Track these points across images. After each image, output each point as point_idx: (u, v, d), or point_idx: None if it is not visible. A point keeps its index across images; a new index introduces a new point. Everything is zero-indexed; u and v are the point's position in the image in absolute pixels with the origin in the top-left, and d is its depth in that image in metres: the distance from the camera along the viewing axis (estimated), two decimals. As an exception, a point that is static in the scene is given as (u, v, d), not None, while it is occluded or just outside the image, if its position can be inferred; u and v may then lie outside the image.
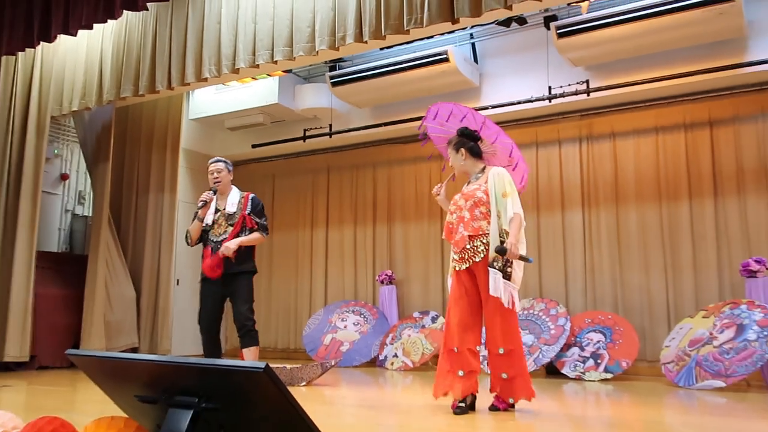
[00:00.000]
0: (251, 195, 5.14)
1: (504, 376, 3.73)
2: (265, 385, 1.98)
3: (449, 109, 4.25)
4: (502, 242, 3.70)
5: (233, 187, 5.14)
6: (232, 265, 4.88)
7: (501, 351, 3.71)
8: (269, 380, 1.96)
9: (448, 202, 4.14)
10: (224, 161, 5.14)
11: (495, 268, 3.70)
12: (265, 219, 5.09)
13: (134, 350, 7.04)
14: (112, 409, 2.49)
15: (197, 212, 5.02)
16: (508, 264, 3.73)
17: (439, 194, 4.19)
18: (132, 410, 2.43)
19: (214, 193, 5.02)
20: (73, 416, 2.59)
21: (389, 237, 7.92)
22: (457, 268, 3.90)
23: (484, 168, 4.04)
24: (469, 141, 4.05)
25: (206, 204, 4.97)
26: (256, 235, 4.98)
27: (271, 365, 1.99)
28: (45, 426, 2.44)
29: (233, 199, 5.03)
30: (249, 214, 4.99)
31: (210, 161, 5.14)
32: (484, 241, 3.80)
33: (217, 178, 5.02)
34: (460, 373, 3.76)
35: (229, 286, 4.91)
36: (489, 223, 3.81)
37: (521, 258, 3.73)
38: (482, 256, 3.79)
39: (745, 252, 5.90)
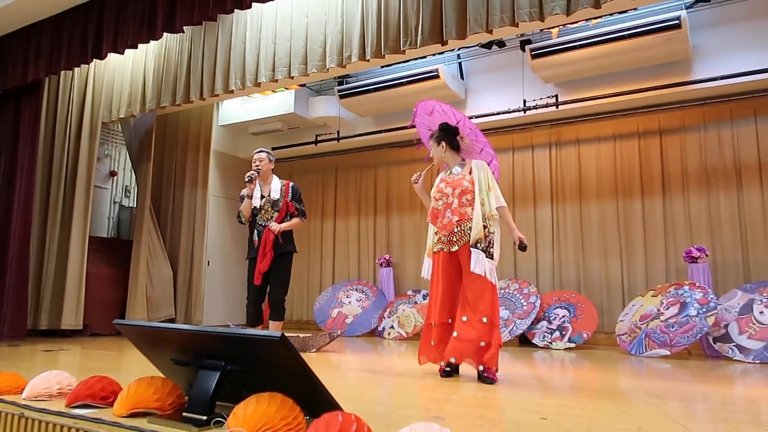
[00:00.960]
0: (291, 183, 5.10)
1: (482, 344, 3.49)
2: (281, 351, 1.98)
3: (444, 110, 4.04)
4: (487, 231, 3.63)
5: (274, 176, 5.09)
6: (277, 246, 4.86)
7: (484, 320, 3.51)
8: (285, 347, 1.96)
9: (425, 191, 3.99)
10: (267, 152, 5.09)
11: (478, 248, 3.58)
12: (303, 205, 5.05)
13: (171, 321, 7.04)
14: (152, 371, 2.50)
15: (245, 192, 4.96)
16: (491, 246, 3.63)
17: (417, 182, 3.99)
18: (168, 371, 2.44)
19: (258, 173, 4.96)
20: (119, 376, 2.59)
21: (387, 226, 7.91)
22: (445, 250, 3.71)
23: (463, 160, 3.91)
24: (449, 135, 3.89)
25: (252, 180, 4.91)
26: (296, 220, 4.96)
27: (286, 334, 1.99)
28: (95, 384, 2.44)
29: (276, 187, 4.98)
30: (291, 200, 4.97)
31: (255, 151, 5.11)
32: (470, 225, 3.65)
33: (258, 165, 4.99)
34: (432, 342, 3.69)
35: (272, 264, 4.87)
36: (473, 209, 3.67)
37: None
38: (467, 239, 3.63)
39: (688, 241, 5.91)
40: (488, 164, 3.99)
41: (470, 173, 3.79)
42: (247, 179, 4.93)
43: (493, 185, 3.75)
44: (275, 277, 4.90)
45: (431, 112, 4.10)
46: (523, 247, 3.70)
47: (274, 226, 4.84)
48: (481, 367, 3.50)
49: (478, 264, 3.55)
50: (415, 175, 4.02)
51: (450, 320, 3.70)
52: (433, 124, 4.10)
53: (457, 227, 3.68)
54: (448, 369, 3.67)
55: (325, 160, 8.44)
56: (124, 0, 5.30)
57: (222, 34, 5.63)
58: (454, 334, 3.59)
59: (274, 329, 4.83)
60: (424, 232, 7.56)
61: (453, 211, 3.71)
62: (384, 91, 6.78)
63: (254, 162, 5.03)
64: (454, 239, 3.68)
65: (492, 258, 3.62)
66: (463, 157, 3.94)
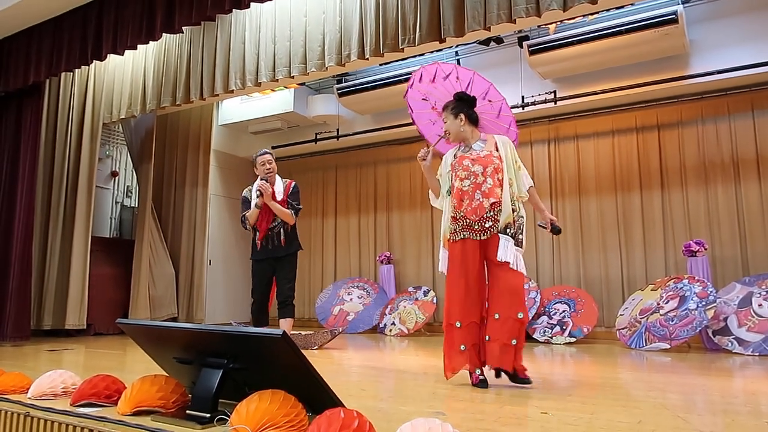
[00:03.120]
0: (293, 182, 5.03)
1: (514, 342, 3.08)
2: (282, 348, 1.99)
3: (460, 76, 3.48)
4: (516, 215, 3.23)
5: (277, 176, 4.99)
6: (280, 248, 4.83)
7: (520, 316, 3.09)
8: (286, 344, 1.97)
9: (432, 170, 3.45)
10: (272, 153, 4.96)
11: (507, 234, 3.15)
12: (298, 203, 4.95)
13: (173, 320, 7.05)
14: (155, 369, 2.51)
15: (255, 201, 4.78)
16: (519, 231, 3.22)
17: (425, 159, 3.39)
18: (171, 370, 2.45)
19: (267, 182, 4.85)
20: (122, 374, 2.60)
21: (388, 224, 7.92)
22: (473, 238, 3.18)
23: (483, 135, 3.41)
24: (468, 107, 3.39)
25: (262, 194, 4.75)
26: (287, 211, 4.85)
27: (288, 332, 2.00)
28: (99, 382, 2.46)
29: (279, 188, 4.89)
30: (288, 197, 4.91)
31: (259, 153, 4.92)
32: (500, 209, 3.18)
33: (269, 169, 4.84)
34: (462, 347, 3.15)
35: (276, 265, 4.86)
36: (503, 190, 3.23)
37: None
38: (499, 224, 3.17)
39: (687, 235, 5.91)
40: (509, 127, 3.62)
41: (496, 149, 3.32)
42: (257, 194, 4.76)
43: (520, 163, 3.35)
44: (281, 275, 4.86)
45: (437, 77, 3.54)
46: (556, 230, 3.29)
47: (266, 190, 4.72)
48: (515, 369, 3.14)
49: (507, 251, 3.12)
50: (423, 150, 3.42)
51: (479, 320, 3.20)
52: (436, 93, 3.61)
53: (490, 211, 3.17)
54: (483, 378, 3.18)
55: (324, 158, 8.45)
56: (123, 1, 5.29)
57: (221, 34, 5.63)
58: (486, 337, 3.16)
59: (285, 327, 4.76)
60: (425, 229, 7.66)
61: (485, 193, 3.19)
62: (383, 89, 6.78)
63: (262, 164, 4.84)
64: (486, 225, 3.17)
65: (520, 246, 3.21)
66: (482, 131, 3.46)
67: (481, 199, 3.19)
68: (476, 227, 3.18)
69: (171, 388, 2.28)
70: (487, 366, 3.19)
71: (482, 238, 3.18)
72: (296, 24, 5.21)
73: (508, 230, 3.18)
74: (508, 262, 3.12)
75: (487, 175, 3.23)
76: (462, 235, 3.21)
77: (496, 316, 3.13)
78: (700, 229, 5.89)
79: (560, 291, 6.26)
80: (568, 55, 5.84)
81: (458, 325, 3.16)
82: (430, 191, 3.54)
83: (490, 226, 3.17)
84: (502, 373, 3.18)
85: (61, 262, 6.34)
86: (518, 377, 3.14)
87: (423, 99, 3.70)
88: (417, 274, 7.54)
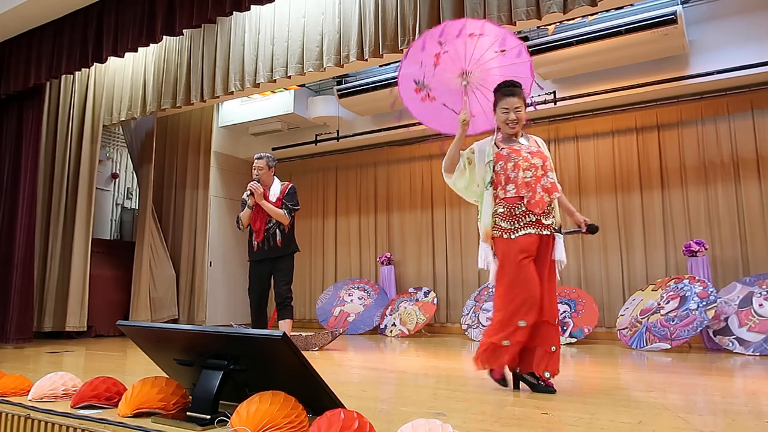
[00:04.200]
0: (290, 184, 5.04)
1: (553, 348, 2.99)
2: (283, 350, 1.99)
3: (479, 26, 3.25)
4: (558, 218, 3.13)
5: (276, 179, 5.01)
6: (276, 249, 4.84)
7: (557, 321, 3.05)
8: (286, 346, 1.97)
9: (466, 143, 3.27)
10: (266, 157, 4.97)
11: (562, 233, 3.09)
12: (293, 204, 4.93)
13: (174, 321, 7.05)
14: (156, 371, 2.51)
15: (246, 201, 4.86)
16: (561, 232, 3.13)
17: (468, 123, 3.21)
18: (172, 371, 2.45)
19: (258, 181, 4.89)
20: (123, 376, 2.60)
21: (388, 224, 7.92)
22: (537, 233, 3.03)
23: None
24: None
25: (252, 194, 4.81)
26: (280, 211, 4.85)
27: (288, 333, 2.00)
28: (100, 384, 2.46)
29: (275, 191, 4.93)
30: (283, 198, 4.91)
31: (255, 156, 5.01)
32: (554, 206, 3.10)
33: (257, 175, 4.91)
34: (507, 343, 2.97)
35: (273, 266, 4.87)
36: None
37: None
38: (552, 222, 3.08)
39: (687, 235, 5.91)
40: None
41: (539, 147, 3.22)
42: (247, 193, 4.83)
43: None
44: (278, 276, 4.88)
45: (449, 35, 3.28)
46: (593, 229, 3.17)
47: (258, 191, 4.76)
48: (547, 374, 2.99)
49: (561, 251, 3.06)
50: (465, 112, 3.23)
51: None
52: (450, 61, 3.36)
53: (549, 206, 3.07)
54: (504, 376, 3.11)
55: (325, 160, 8.45)
56: (123, 4, 5.30)
57: (221, 36, 5.64)
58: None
59: (285, 329, 4.77)
60: (425, 230, 7.66)
61: (546, 188, 3.07)
62: (382, 90, 6.77)
63: (253, 169, 4.95)
64: (546, 222, 3.05)
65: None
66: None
67: (542, 193, 3.06)
68: (543, 222, 3.05)
69: (171, 389, 2.28)
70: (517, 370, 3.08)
71: (544, 233, 3.05)
72: (295, 25, 5.21)
73: (562, 229, 3.12)
74: (562, 262, 3.08)
75: (547, 170, 3.11)
76: (526, 231, 3.02)
77: None
78: (700, 229, 5.89)
79: (561, 291, 6.25)
80: (567, 56, 5.84)
81: (522, 325, 2.94)
82: (444, 163, 3.27)
83: (550, 223, 3.07)
84: (521, 382, 3.09)
85: (62, 265, 6.34)
86: (543, 385, 2.99)
87: (421, 67, 3.54)
88: (417, 275, 7.53)
